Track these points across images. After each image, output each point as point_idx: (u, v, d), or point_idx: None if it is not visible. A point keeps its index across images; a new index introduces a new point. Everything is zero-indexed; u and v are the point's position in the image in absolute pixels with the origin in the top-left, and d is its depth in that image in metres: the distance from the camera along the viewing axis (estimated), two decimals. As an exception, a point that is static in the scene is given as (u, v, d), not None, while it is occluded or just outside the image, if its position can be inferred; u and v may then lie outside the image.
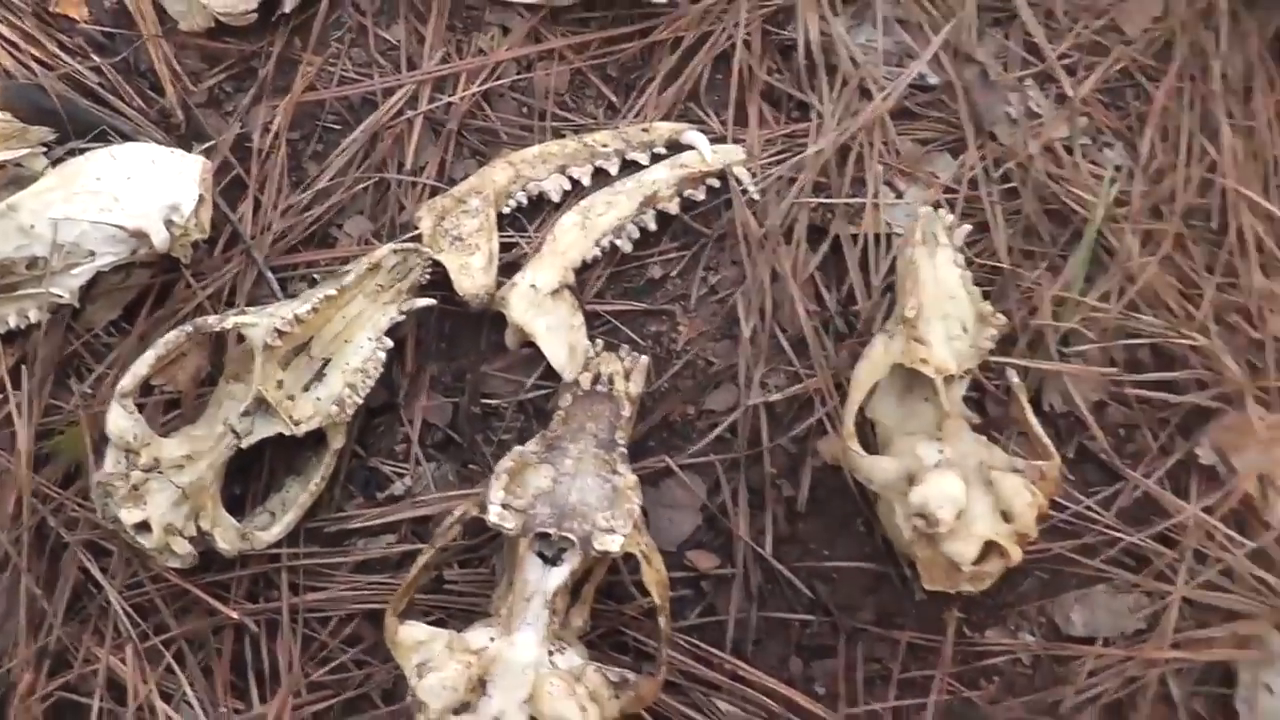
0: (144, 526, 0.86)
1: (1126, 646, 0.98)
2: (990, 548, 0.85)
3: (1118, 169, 1.11)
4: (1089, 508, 1.00)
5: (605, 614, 0.93)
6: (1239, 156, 1.13)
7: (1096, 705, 0.97)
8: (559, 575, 0.83)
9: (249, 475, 0.95)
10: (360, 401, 0.93)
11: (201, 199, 0.94)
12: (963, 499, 0.84)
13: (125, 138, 1.02)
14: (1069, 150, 1.11)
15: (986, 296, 1.00)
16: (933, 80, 1.12)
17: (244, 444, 0.89)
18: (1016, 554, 0.85)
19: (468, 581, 0.94)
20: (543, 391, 1.00)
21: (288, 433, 0.89)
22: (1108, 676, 0.97)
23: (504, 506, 0.83)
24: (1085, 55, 1.16)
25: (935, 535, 0.84)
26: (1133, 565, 1.01)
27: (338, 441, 0.93)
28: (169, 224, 0.92)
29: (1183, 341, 1.04)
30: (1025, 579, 1.00)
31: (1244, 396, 1.03)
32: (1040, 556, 1.00)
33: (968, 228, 0.99)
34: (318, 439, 0.93)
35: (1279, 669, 1.01)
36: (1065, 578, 1.00)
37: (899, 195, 1.08)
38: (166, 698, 0.91)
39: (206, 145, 1.02)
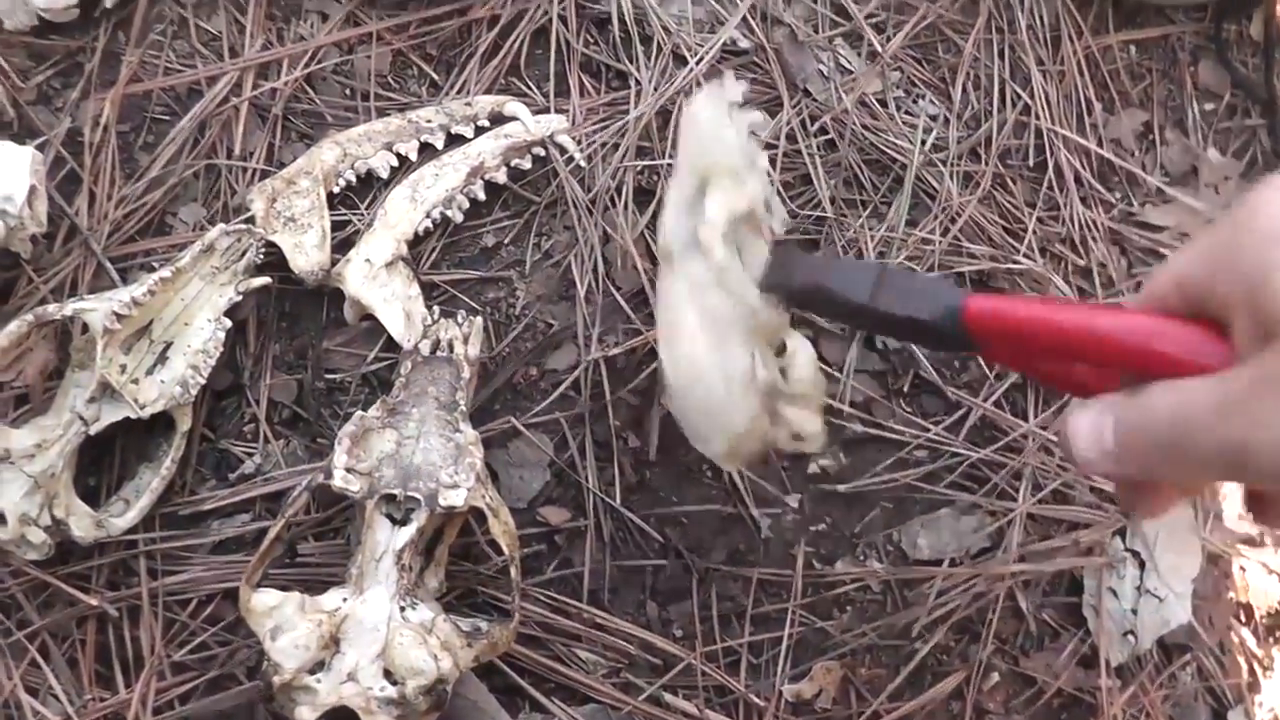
0: (-2, 518, 0.87)
1: (974, 566, 1.03)
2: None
3: (932, 118, 1.17)
4: (932, 437, 1.05)
5: (461, 574, 0.96)
6: (1051, 100, 1.19)
7: (947, 624, 1.02)
8: (406, 533, 0.85)
9: (101, 466, 0.96)
10: (203, 381, 0.94)
11: (34, 190, 0.94)
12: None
13: (-45, 138, 1.02)
14: (883, 103, 1.16)
15: (814, 246, 1.05)
16: (744, 44, 1.16)
17: (92, 430, 0.89)
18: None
19: (322, 553, 0.96)
20: (385, 363, 1.02)
21: (134, 415, 0.90)
22: (956, 595, 1.02)
23: (348, 470, 0.86)
24: (892, 14, 1.21)
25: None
26: (975, 489, 1.06)
27: (185, 424, 0.94)
28: (2, 214, 0.92)
29: (1012, 267, 1.10)
30: (872, 510, 1.05)
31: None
32: (885, 486, 1.05)
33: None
34: (166, 424, 0.94)
35: (1121, 573, 1.07)
36: (910, 505, 1.05)
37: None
38: (32, 691, 0.92)
39: (39, 140, 1.02)
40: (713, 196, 0.73)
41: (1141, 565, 1.07)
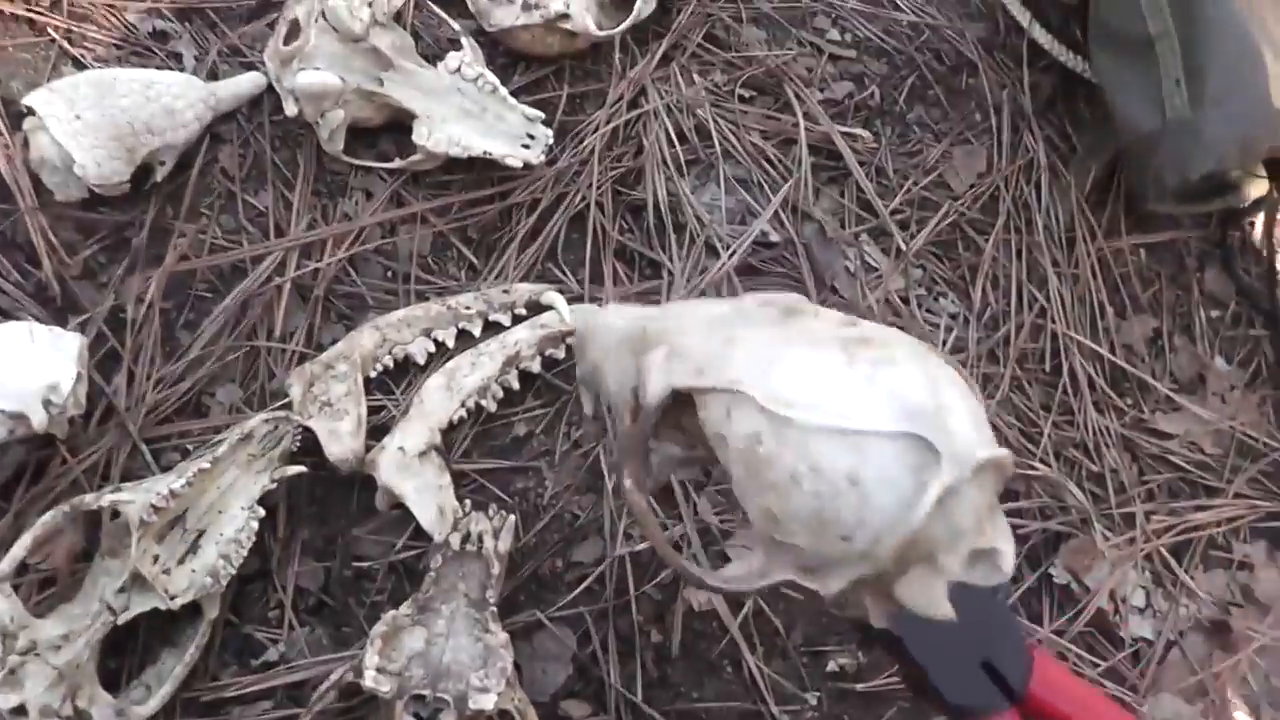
0: (20, 710, 0.85)
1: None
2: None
3: (953, 317, 1.19)
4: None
5: (482, 768, 0.95)
6: (1066, 302, 1.22)
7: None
8: (435, 737, 0.85)
9: (124, 650, 0.95)
10: (234, 571, 0.93)
11: (79, 376, 0.95)
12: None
13: (3, 313, 1.03)
14: (905, 300, 1.19)
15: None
16: (774, 237, 1.19)
17: (120, 620, 0.89)
18: None
19: (345, 744, 0.95)
20: (414, 552, 1.02)
21: (163, 607, 0.89)
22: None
23: (379, 671, 0.86)
24: (916, 210, 1.25)
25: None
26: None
27: (212, 611, 0.94)
28: (47, 404, 0.92)
29: (1028, 474, 1.12)
30: (890, 708, 1.05)
31: (1091, 523, 1.11)
32: (903, 687, 1.04)
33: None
34: (192, 609, 0.93)
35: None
36: (927, 705, 1.06)
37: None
38: None
39: (82, 318, 1.03)
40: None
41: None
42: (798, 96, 1.27)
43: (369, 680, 0.85)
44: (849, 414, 0.63)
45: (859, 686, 1.05)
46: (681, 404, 0.71)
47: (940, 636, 0.66)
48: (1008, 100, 1.33)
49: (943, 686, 0.66)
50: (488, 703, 0.86)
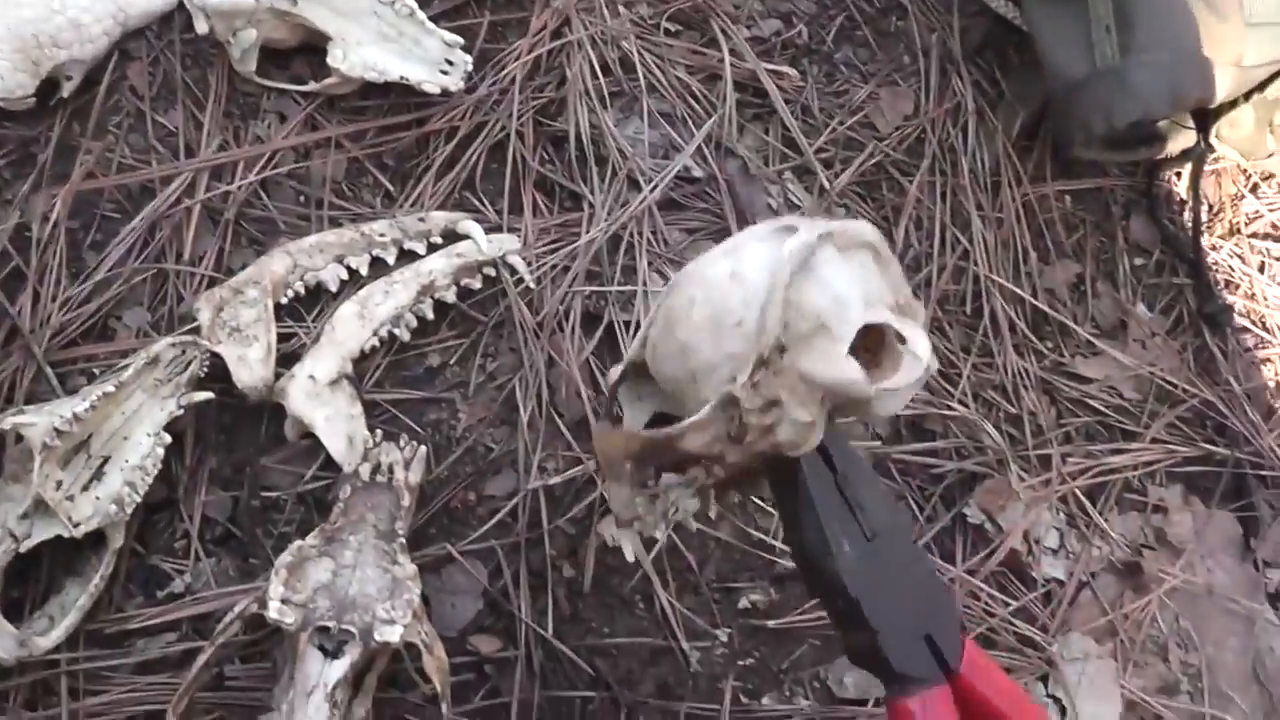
0: (-80, 636, 0.84)
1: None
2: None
3: (875, 256, 1.18)
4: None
5: (388, 703, 0.94)
6: (990, 245, 1.22)
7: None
8: (339, 668, 0.83)
9: (27, 578, 0.93)
10: (140, 499, 0.92)
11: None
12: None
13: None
14: (827, 238, 1.18)
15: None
16: (697, 172, 1.18)
17: (23, 548, 0.87)
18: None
19: (250, 677, 0.94)
20: (322, 482, 1.00)
21: (66, 534, 0.88)
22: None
23: (283, 601, 0.84)
24: (841, 150, 1.24)
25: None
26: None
27: (117, 541, 0.92)
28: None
29: (946, 414, 1.12)
30: (800, 646, 1.05)
31: (1007, 463, 1.11)
32: (814, 623, 1.05)
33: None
34: (96, 538, 0.92)
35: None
36: (838, 642, 1.05)
37: (668, 283, 1.12)
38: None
39: (-13, 235, 1.00)
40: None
41: (1063, 711, 1.09)
42: (724, 32, 1.25)
43: (273, 611, 0.84)
44: (734, 242, 0.72)
45: (770, 623, 1.05)
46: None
47: (890, 604, 0.70)
48: (936, 44, 1.32)
49: (890, 654, 0.69)
50: (393, 635, 0.85)
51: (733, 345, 0.69)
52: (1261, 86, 1.28)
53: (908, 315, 0.72)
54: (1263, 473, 1.20)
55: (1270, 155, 1.33)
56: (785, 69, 1.27)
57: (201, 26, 1.09)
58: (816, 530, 0.70)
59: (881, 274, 0.72)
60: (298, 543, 0.88)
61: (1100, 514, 1.14)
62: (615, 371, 0.79)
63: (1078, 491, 1.14)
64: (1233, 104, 1.29)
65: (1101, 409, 1.20)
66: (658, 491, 0.81)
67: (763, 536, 1.06)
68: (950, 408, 1.13)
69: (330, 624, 0.84)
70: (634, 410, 0.82)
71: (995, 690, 0.71)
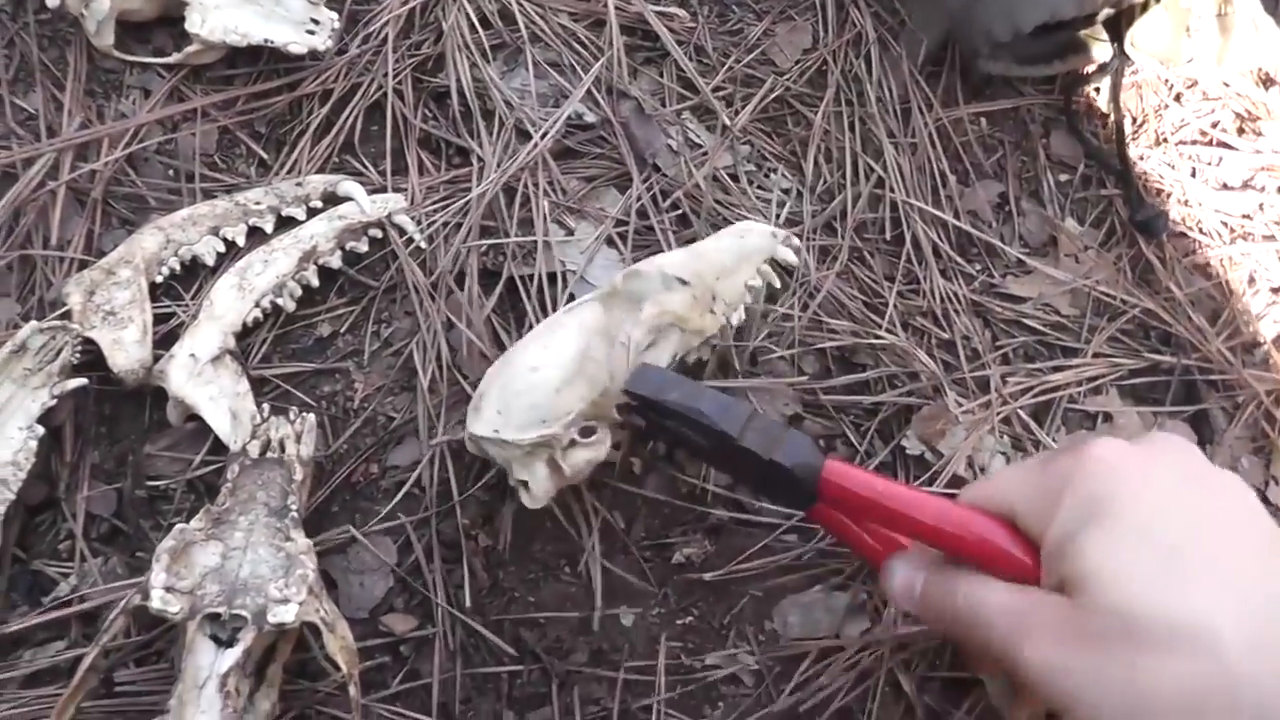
0: None
1: (847, 641, 0.98)
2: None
3: (785, 192, 1.14)
4: (801, 520, 1.00)
5: (298, 694, 0.88)
6: (905, 172, 1.17)
7: (826, 712, 0.97)
8: (232, 656, 0.78)
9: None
10: (13, 497, 0.86)
11: None
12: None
13: None
14: (734, 178, 1.13)
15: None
16: (590, 118, 1.13)
17: (-118, 556, 0.82)
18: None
19: (144, 680, 0.87)
20: (212, 467, 0.95)
21: (-68, 539, 0.82)
22: (833, 678, 0.97)
23: (167, 590, 0.79)
24: (740, 87, 1.19)
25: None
26: (847, 569, 1.01)
27: (-7, 545, 0.86)
28: None
29: (875, 343, 1.07)
30: (742, 599, 1.00)
31: (943, 390, 1.06)
32: (754, 572, 1.00)
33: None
34: (-31, 544, 0.86)
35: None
36: (780, 593, 1.00)
37: (570, 233, 1.07)
38: None
39: None
40: (680, 292, 0.91)
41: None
42: (607, -24, 1.21)
43: (156, 601, 0.78)
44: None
45: (707, 576, 0.99)
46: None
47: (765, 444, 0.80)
48: (830, -25, 1.28)
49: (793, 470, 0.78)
50: (289, 614, 0.79)
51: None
52: (1172, -12, 1.24)
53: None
54: (1213, 377, 1.15)
55: (1190, 61, 1.29)
56: (674, 10, 1.22)
57: (53, 1, 1.04)
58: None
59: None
60: (180, 526, 0.83)
61: (1047, 432, 1.09)
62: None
63: (1021, 412, 1.09)
64: (1144, 7, 1.25)
65: (1038, 327, 1.14)
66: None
67: (692, 487, 1.00)
68: (878, 336, 1.08)
69: (221, 610, 0.79)
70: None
71: (863, 486, 0.77)
